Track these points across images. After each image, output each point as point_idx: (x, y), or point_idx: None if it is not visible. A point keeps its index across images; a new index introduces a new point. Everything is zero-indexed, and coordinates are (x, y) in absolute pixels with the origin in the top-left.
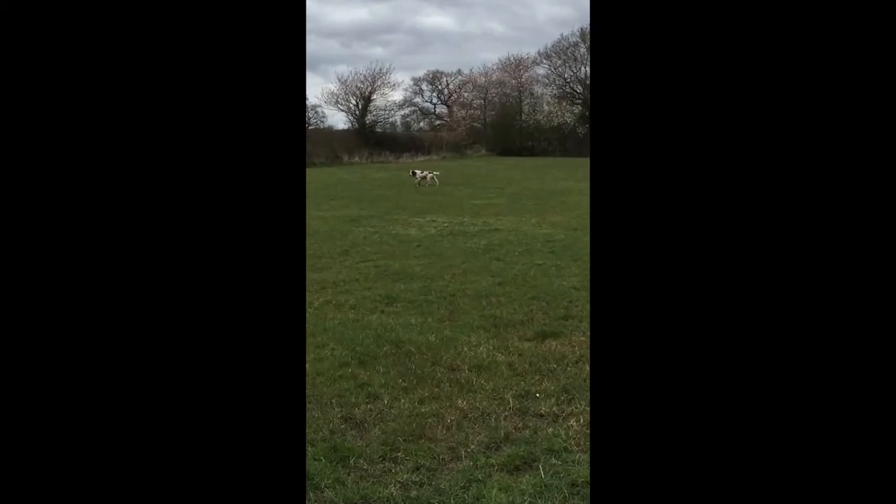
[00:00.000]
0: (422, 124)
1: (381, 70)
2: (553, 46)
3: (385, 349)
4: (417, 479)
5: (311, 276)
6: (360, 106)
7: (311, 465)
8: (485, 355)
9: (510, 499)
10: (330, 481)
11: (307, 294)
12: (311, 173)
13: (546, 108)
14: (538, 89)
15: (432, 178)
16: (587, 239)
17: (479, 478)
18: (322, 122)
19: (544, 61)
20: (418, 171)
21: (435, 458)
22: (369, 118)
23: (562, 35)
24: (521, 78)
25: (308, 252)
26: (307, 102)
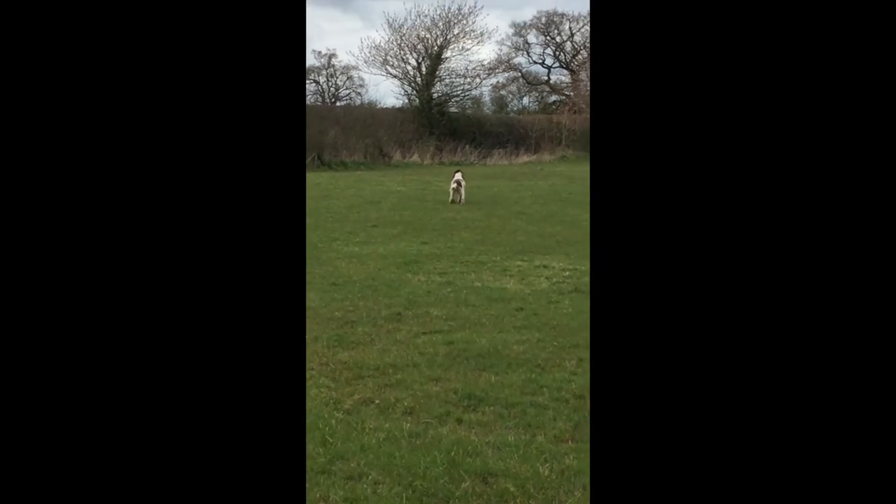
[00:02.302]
0: (526, 101)
1: (459, 10)
2: None
3: (464, 486)
4: None
5: (341, 356)
6: (423, 69)
7: None
8: None
9: None
10: None
11: (329, 387)
12: (339, 180)
13: None
14: None
15: (456, 186)
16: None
17: None
18: (359, 94)
19: None
20: (459, 175)
21: None
22: (438, 90)
23: None
24: None
25: (334, 314)
26: (336, 62)
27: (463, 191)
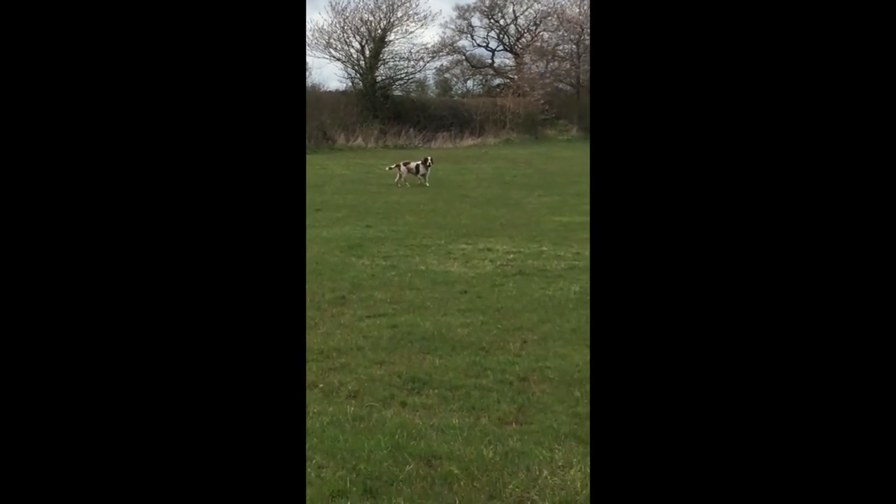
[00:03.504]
0: (470, 84)
1: None
2: None
3: (408, 469)
4: None
5: None
6: (366, 53)
7: None
8: (579, 484)
9: None
10: None
11: None
12: None
13: None
14: None
15: (412, 169)
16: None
17: None
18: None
19: None
20: (407, 165)
21: None
22: (382, 73)
23: None
24: None
25: None
26: None
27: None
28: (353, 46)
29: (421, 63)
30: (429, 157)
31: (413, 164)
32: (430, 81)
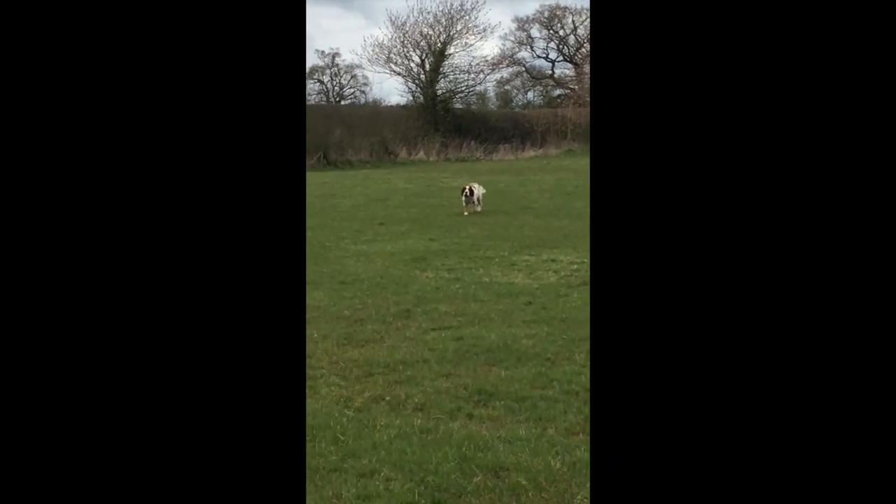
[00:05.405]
0: (531, 95)
1: (461, 6)
2: None
3: (476, 480)
4: None
5: (351, 354)
6: (427, 66)
7: None
8: None
9: None
10: None
11: (340, 385)
12: (345, 179)
13: None
14: None
15: (475, 195)
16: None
17: None
18: (363, 93)
19: None
20: (475, 187)
21: None
22: (442, 86)
23: None
24: None
25: (343, 312)
26: (340, 61)
27: (475, 199)
28: (413, 60)
29: (481, 75)
30: (466, 187)
31: (470, 189)
32: (491, 94)
